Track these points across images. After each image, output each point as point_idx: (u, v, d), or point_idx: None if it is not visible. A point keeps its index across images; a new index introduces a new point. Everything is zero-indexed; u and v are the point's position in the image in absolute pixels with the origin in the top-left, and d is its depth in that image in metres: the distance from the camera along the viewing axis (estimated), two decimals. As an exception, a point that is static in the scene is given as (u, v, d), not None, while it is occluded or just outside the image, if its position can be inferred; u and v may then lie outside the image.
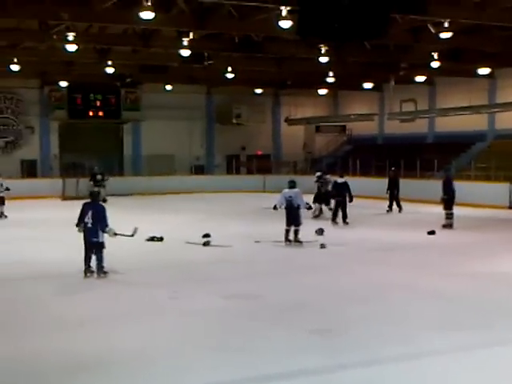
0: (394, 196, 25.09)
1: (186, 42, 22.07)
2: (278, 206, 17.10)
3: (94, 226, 12.63)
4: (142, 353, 8.18)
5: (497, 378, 7.30)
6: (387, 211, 24.68)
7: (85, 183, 30.96)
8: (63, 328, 9.28)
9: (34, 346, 8.44)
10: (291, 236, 16.85)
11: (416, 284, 12.20)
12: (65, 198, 31.29)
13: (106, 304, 10.76)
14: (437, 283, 12.26)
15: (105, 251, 12.83)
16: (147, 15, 17.22)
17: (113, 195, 30.74)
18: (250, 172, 39.80)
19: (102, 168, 31.75)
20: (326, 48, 23.45)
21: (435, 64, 25.52)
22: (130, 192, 33.42)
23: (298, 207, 16.83)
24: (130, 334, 8.97)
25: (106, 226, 12.68)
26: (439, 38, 19.91)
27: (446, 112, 34.02)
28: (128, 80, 33.38)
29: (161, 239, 17.38)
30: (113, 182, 31.64)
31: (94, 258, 12.78)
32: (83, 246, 12.78)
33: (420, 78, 30.92)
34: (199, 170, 39.54)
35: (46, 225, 21.39)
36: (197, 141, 40.03)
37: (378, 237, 18.76)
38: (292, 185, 17.06)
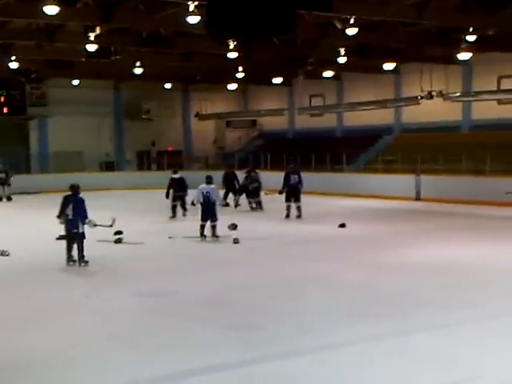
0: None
1: (92, 36, 21.65)
2: (195, 202, 17.20)
3: (74, 218, 13.33)
4: (55, 354, 8.00)
5: (409, 365, 7.49)
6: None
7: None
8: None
9: None
10: (207, 231, 16.86)
11: (329, 276, 12.39)
12: (-31, 197, 30.23)
13: (17, 305, 10.47)
14: (350, 275, 12.49)
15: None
16: (51, 10, 16.83)
17: (20, 193, 29.97)
18: (160, 168, 39.45)
19: (6, 165, 30.87)
20: (235, 43, 23.48)
21: (342, 59, 25.95)
22: (38, 190, 32.60)
23: (215, 203, 16.89)
24: (44, 336, 8.76)
25: (86, 217, 13.41)
26: (345, 33, 20.25)
27: (353, 106, 34.68)
28: (33, 75, 32.50)
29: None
30: (19, 179, 30.80)
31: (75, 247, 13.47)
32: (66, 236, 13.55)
33: (328, 73, 31.39)
34: (109, 166, 38.90)
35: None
36: (106, 137, 39.36)
37: (290, 230, 18.97)
38: (209, 180, 17.19)
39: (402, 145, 32.56)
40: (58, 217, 13.67)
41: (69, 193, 13.75)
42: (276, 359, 7.75)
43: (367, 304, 10.24)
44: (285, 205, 21.34)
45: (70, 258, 13.53)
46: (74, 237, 13.43)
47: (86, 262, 13.49)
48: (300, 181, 21.62)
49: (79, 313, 9.97)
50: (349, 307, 10.07)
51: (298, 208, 21.34)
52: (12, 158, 33.84)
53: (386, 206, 25.64)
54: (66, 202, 13.51)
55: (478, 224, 20.16)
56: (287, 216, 21.20)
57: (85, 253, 13.48)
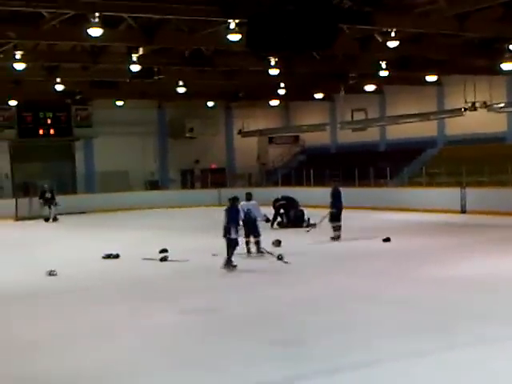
0: None
1: (135, 57, 21.94)
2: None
3: (227, 226, 15.11)
4: (102, 371, 8.08)
5: (456, 380, 7.38)
6: None
7: (38, 203, 30.59)
8: (17, 349, 9.11)
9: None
10: (252, 247, 16.89)
11: (375, 291, 12.29)
12: (17, 218, 30.79)
13: (63, 324, 10.59)
14: (396, 289, 12.39)
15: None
16: (95, 32, 17.09)
17: (66, 213, 30.39)
18: (204, 186, 39.72)
19: (52, 186, 31.35)
20: (276, 60, 23.57)
21: (384, 73, 25.85)
22: (84, 210, 33.07)
23: (256, 219, 16.93)
24: (90, 353, 8.85)
25: (238, 225, 15.33)
26: (386, 46, 20.17)
27: (396, 120, 34.47)
28: (78, 97, 33.06)
29: (117, 256, 17.24)
30: (65, 199, 31.25)
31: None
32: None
33: (369, 87, 31.27)
34: (154, 185, 39.31)
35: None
36: (150, 156, 39.78)
37: (335, 245, 18.89)
38: (249, 197, 17.22)
39: (446, 157, 32.25)
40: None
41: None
42: (320, 376, 7.71)
43: (413, 319, 10.13)
44: (331, 225, 19.82)
45: (227, 262, 14.90)
46: (227, 242, 15.04)
47: (234, 267, 14.89)
48: None
49: (124, 330, 10.05)
50: (394, 322, 9.96)
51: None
52: (60, 179, 34.48)
53: (430, 219, 25.38)
54: (225, 212, 15.40)
55: (526, 236, 19.83)
56: (336, 238, 19.58)
57: (233, 258, 14.99)
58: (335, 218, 19.85)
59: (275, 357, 8.40)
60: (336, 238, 19.65)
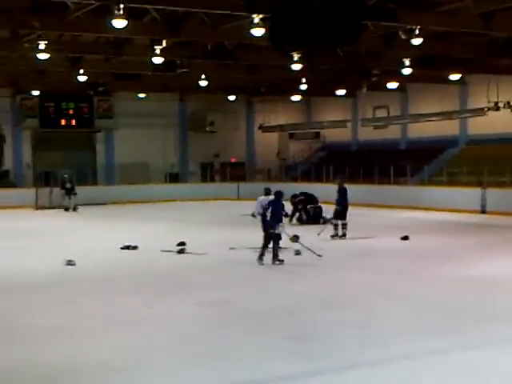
0: None
1: (158, 49, 22.00)
2: (255, 214, 17.20)
3: (271, 220, 14.84)
4: (118, 362, 8.11)
5: (467, 381, 7.35)
6: None
7: (58, 192, 30.85)
8: (34, 339, 9.15)
9: (2, 357, 8.34)
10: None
11: (390, 289, 12.27)
12: (38, 207, 31.04)
13: (80, 314, 10.65)
14: (411, 288, 12.35)
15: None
16: (119, 23, 17.13)
17: (86, 204, 30.58)
18: (224, 179, 39.79)
19: (72, 176, 31.59)
20: (299, 55, 23.52)
21: (407, 70, 25.70)
22: (104, 201, 33.23)
23: None
24: (104, 344, 8.88)
25: (280, 221, 15.00)
26: (410, 44, 20.07)
27: (418, 118, 34.33)
28: (101, 88, 33.19)
29: (135, 248, 17.31)
30: (86, 191, 31.47)
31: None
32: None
33: (392, 85, 31.13)
34: (174, 178, 39.43)
35: (19, 235, 21.16)
36: (171, 149, 39.92)
37: (352, 242, 18.83)
38: (268, 192, 17.14)
39: (467, 157, 32.03)
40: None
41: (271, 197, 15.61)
42: (333, 372, 7.71)
43: (429, 317, 10.10)
44: (340, 223, 19.55)
45: (260, 257, 14.86)
46: (269, 236, 14.82)
47: (281, 261, 14.76)
48: None
49: (140, 322, 10.07)
50: (406, 320, 9.94)
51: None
52: (80, 170, 34.67)
53: (450, 218, 25.26)
54: (268, 205, 15.19)
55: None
56: (343, 236, 19.42)
57: (279, 252, 14.88)
58: (339, 215, 19.66)
59: (288, 352, 8.40)
60: (342, 235, 19.38)
